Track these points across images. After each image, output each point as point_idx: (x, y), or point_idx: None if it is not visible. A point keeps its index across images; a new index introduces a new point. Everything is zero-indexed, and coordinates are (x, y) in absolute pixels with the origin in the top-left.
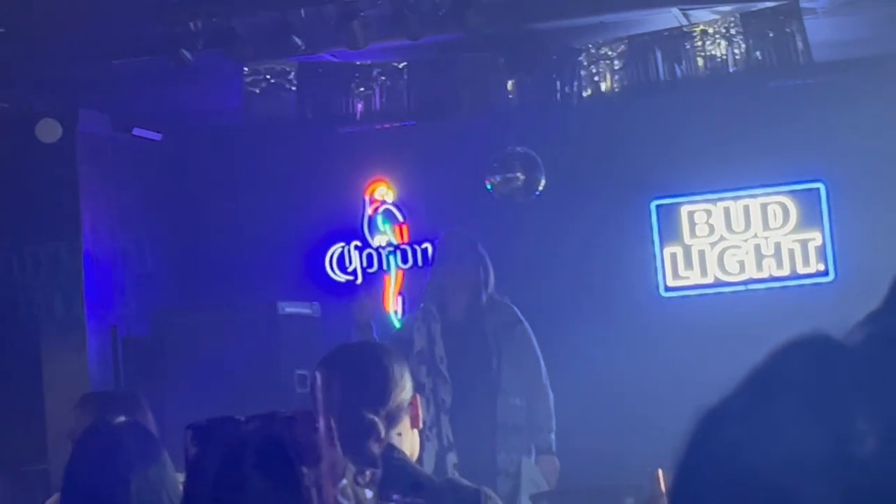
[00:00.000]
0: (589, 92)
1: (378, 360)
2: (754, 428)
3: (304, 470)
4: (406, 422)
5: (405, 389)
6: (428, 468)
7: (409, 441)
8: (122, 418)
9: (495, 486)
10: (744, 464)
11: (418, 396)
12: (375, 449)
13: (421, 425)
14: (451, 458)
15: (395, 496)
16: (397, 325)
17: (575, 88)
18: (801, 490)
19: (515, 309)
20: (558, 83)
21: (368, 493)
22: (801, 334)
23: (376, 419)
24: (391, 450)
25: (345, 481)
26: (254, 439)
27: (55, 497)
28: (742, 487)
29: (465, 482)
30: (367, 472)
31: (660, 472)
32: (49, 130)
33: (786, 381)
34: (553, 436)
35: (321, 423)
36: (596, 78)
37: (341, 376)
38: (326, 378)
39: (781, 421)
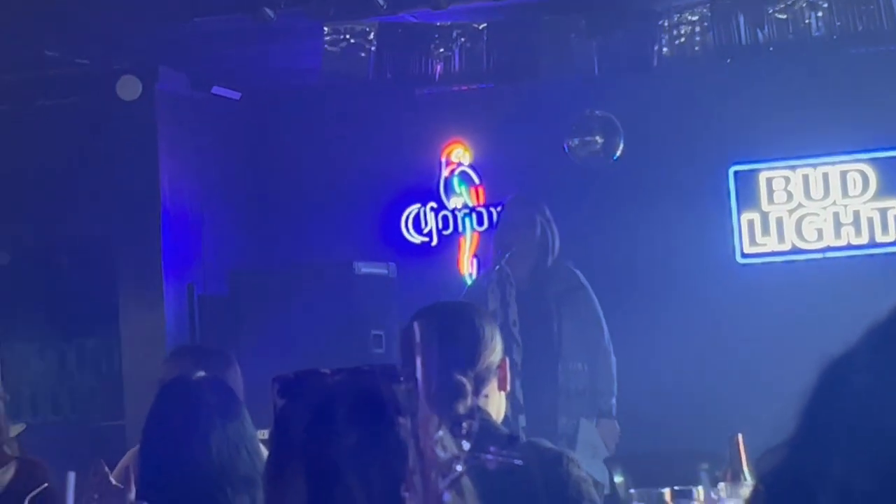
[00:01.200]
0: (670, 55)
1: (471, 321)
2: (880, 379)
3: (401, 421)
4: (493, 384)
5: (495, 352)
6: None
7: (495, 403)
8: (201, 373)
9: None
10: (870, 414)
11: (507, 359)
12: (461, 410)
13: (508, 388)
14: (521, 421)
15: (491, 448)
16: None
17: (656, 52)
18: None
19: (578, 273)
20: (639, 46)
21: (466, 445)
22: None
23: (464, 380)
24: (476, 411)
25: (441, 433)
26: (345, 391)
27: (133, 450)
28: (869, 437)
29: (548, 444)
30: (465, 424)
31: (739, 436)
32: (129, 88)
33: None
34: (614, 400)
35: (419, 376)
36: (677, 41)
37: (433, 334)
38: (418, 333)
39: None
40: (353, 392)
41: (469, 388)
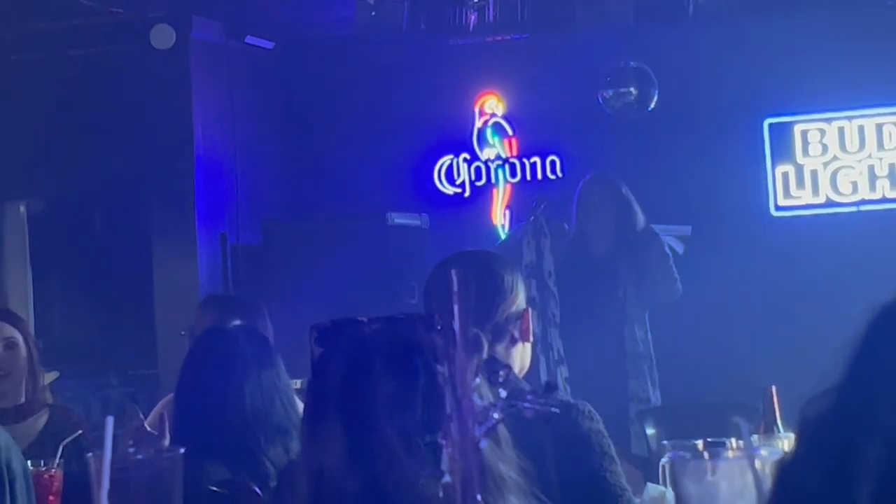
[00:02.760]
0: (705, 6)
1: (490, 271)
2: None
3: (438, 368)
4: (515, 335)
5: (516, 302)
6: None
7: (518, 354)
8: (237, 322)
9: (627, 411)
10: None
11: (529, 310)
12: (476, 361)
13: (531, 338)
14: (563, 372)
15: (528, 396)
16: (503, 237)
17: (691, 2)
18: None
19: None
20: None
21: (503, 393)
22: None
23: (480, 333)
24: (493, 362)
25: (479, 380)
26: (382, 339)
27: (168, 398)
28: None
29: (561, 396)
30: (501, 372)
31: (773, 389)
32: (163, 37)
33: None
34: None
35: (456, 323)
36: None
37: (461, 286)
38: (440, 283)
39: None
40: (391, 340)
41: (485, 340)
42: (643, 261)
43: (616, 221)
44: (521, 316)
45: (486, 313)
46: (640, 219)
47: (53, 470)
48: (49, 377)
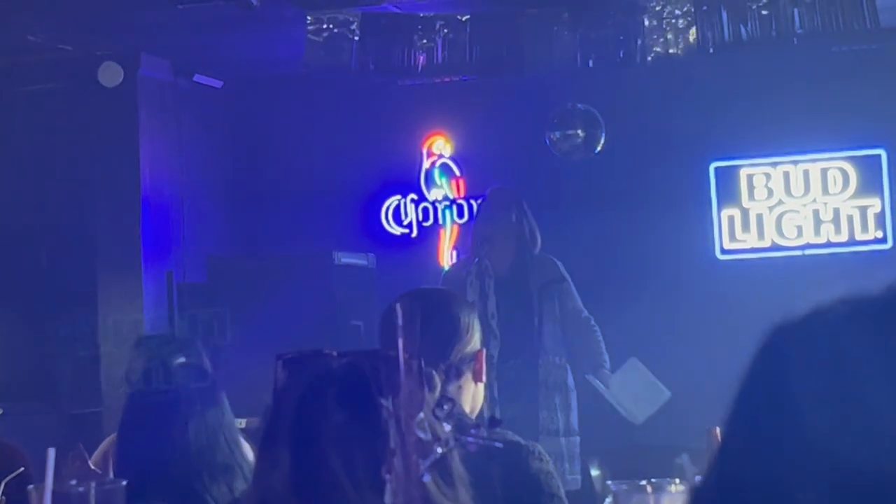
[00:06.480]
0: (653, 50)
1: (447, 310)
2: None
3: (383, 402)
4: (468, 375)
5: (471, 343)
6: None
7: (469, 395)
8: (181, 360)
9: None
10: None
11: (484, 351)
12: (426, 398)
13: (484, 379)
14: (496, 413)
15: (472, 431)
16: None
17: (639, 46)
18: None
19: (559, 264)
20: (622, 40)
21: (447, 427)
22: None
23: (433, 372)
24: (445, 402)
25: (422, 415)
26: (337, 372)
27: (112, 437)
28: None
29: (510, 436)
30: (446, 406)
31: (717, 430)
32: (111, 74)
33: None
34: (606, 361)
35: (401, 358)
36: (659, 37)
37: (411, 320)
38: (400, 317)
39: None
40: (344, 374)
41: (438, 379)
42: (552, 297)
43: (517, 232)
44: (475, 357)
45: (441, 352)
46: (538, 234)
47: None
48: None
